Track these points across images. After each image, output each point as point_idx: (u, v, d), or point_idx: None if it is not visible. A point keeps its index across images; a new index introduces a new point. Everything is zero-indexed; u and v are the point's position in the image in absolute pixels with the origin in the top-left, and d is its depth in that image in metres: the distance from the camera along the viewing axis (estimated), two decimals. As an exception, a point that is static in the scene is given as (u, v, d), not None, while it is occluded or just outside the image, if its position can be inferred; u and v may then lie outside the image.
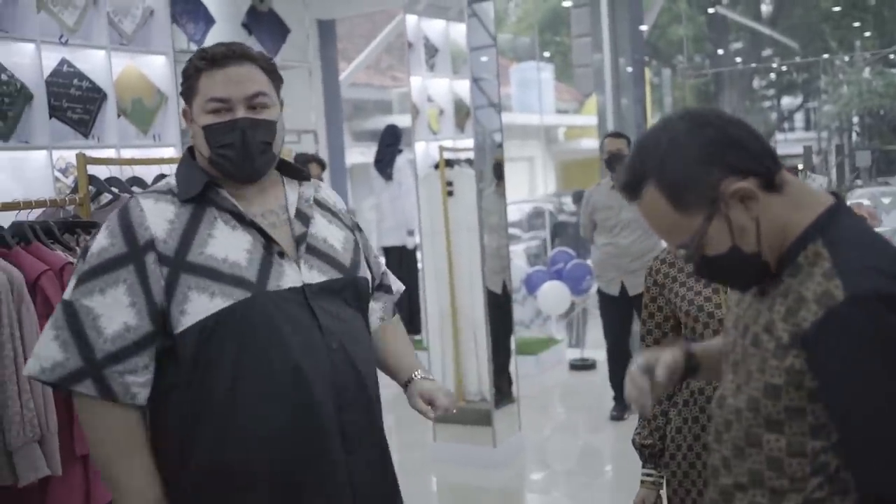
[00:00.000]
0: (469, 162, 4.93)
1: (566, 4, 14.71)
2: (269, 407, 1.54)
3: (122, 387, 1.52)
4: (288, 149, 5.39)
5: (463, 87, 5.34)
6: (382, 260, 2.03)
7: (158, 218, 1.57)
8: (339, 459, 1.59)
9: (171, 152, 4.28)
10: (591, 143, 17.76)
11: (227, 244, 1.58)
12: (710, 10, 16.87)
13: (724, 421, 1.26)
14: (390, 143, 6.61)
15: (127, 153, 4.01)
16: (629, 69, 6.38)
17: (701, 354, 1.42)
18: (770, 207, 1.18)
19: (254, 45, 5.45)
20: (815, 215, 1.20)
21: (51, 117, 3.63)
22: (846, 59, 17.39)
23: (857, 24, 18.70)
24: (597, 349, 6.84)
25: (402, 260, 6.65)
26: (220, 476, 1.55)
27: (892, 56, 17.79)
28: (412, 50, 5.03)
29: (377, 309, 1.88)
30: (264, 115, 1.62)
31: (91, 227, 2.82)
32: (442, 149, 4.84)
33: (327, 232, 1.72)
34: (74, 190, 3.11)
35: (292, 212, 1.69)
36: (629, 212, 5.00)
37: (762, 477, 1.20)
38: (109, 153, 3.85)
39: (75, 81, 3.83)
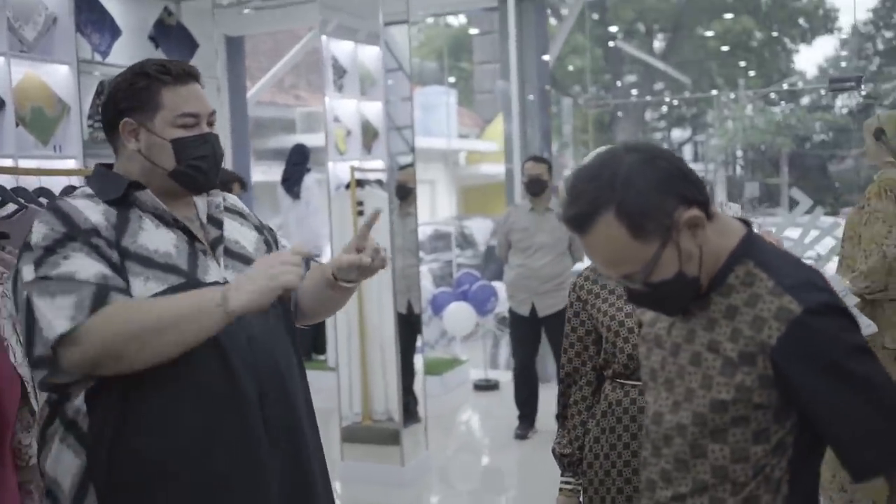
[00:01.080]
0: (379, 183, 4.98)
1: (472, 31, 14.99)
2: (197, 392, 1.57)
3: (116, 286, 1.55)
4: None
5: (370, 109, 5.40)
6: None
7: (92, 212, 1.60)
8: (261, 444, 1.61)
9: (73, 164, 4.17)
10: (491, 168, 18.08)
11: (156, 238, 1.63)
12: (611, 43, 17.54)
13: (664, 436, 1.34)
14: (298, 163, 6.59)
15: (25, 164, 3.88)
16: (530, 97, 6.57)
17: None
18: (708, 234, 1.28)
19: (160, 58, 5.37)
20: (736, 240, 1.31)
21: None
22: (731, 96, 18.37)
23: (742, 64, 19.77)
24: (500, 370, 6.99)
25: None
26: (147, 461, 1.55)
27: (772, 95, 18.89)
28: (324, 70, 5.06)
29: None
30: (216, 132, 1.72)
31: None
32: (353, 169, 4.87)
33: (239, 235, 1.79)
34: None
35: (204, 218, 1.75)
36: (544, 235, 5.16)
37: (706, 485, 1.30)
38: (6, 163, 3.73)
39: None
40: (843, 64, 19.62)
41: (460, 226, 13.05)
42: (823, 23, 20.01)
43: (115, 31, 5.14)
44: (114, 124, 1.69)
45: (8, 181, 3.07)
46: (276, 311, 1.74)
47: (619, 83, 18.91)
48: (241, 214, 1.85)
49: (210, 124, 1.71)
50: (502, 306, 6.51)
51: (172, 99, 1.65)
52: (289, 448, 1.68)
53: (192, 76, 1.69)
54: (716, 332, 1.29)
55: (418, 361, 5.31)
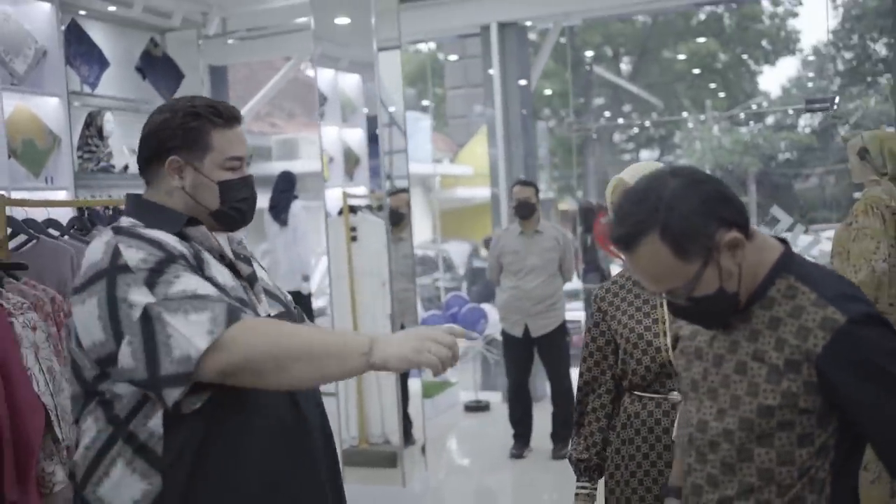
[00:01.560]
0: (370, 208, 5.06)
1: (440, 57, 15.11)
2: (274, 425, 1.63)
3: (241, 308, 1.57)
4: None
5: (352, 136, 5.49)
6: None
7: (172, 241, 1.63)
8: (323, 473, 1.69)
9: (64, 195, 4.19)
10: (466, 192, 18.19)
11: (218, 272, 1.66)
12: (587, 68, 17.82)
13: (709, 443, 1.41)
14: (285, 189, 6.64)
15: (17, 195, 3.89)
16: (510, 121, 6.69)
17: None
18: (747, 253, 1.37)
19: (148, 89, 5.41)
20: (776, 256, 1.40)
21: None
22: (702, 118, 18.69)
23: (711, 86, 20.13)
24: (490, 391, 7.04)
25: (298, 305, 6.65)
26: (227, 481, 1.59)
27: (741, 115, 19.26)
28: (316, 98, 5.15)
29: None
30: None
31: (15, 268, 2.76)
32: (345, 195, 4.94)
33: (262, 274, 1.84)
34: (-7, 231, 3.02)
35: (229, 254, 1.77)
36: (534, 257, 5.26)
37: (752, 487, 1.37)
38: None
39: None
40: (810, 84, 20.10)
41: (438, 249, 13.13)
42: (786, 44, 20.48)
43: (103, 63, 5.18)
44: (157, 159, 1.71)
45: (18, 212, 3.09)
46: None
47: (590, 106, 19.20)
48: (250, 257, 1.87)
49: (248, 164, 1.78)
50: (491, 328, 6.59)
51: (222, 142, 1.70)
52: (331, 472, 1.76)
53: (238, 119, 1.74)
54: (759, 342, 1.37)
55: (413, 384, 5.37)
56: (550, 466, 5.33)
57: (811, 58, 20.67)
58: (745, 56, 20.61)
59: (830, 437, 1.35)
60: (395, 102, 5.10)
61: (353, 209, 4.95)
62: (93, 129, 4.79)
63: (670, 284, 1.36)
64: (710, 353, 1.44)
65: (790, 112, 19.35)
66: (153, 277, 1.53)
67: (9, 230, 2.99)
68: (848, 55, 20.44)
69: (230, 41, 6.82)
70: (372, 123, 5.61)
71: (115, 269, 1.55)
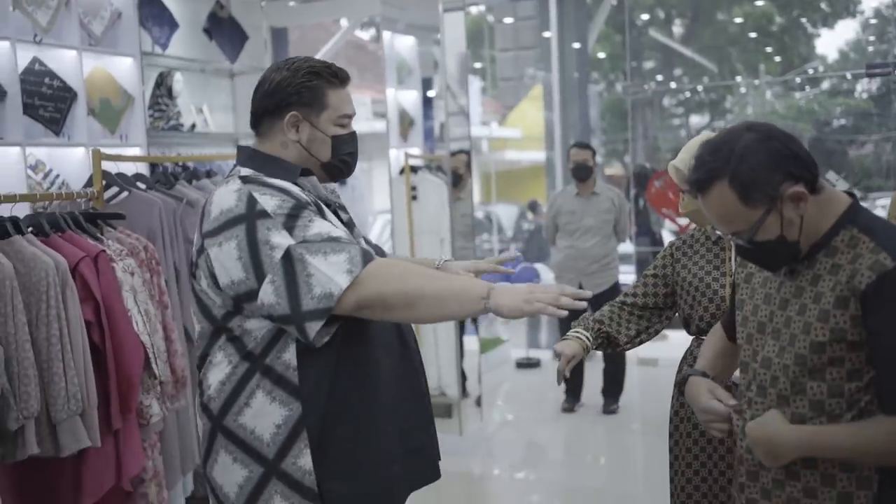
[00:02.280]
0: (429, 168, 5.20)
1: (503, 19, 15.11)
2: (387, 350, 1.84)
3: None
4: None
5: (406, 98, 5.62)
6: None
7: (294, 188, 1.80)
8: (426, 394, 1.93)
9: (137, 151, 4.39)
10: (514, 155, 18.22)
11: (331, 218, 1.83)
12: (641, 31, 17.58)
13: (771, 377, 1.56)
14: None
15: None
16: (565, 84, 6.76)
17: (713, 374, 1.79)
18: (810, 206, 1.50)
19: (214, 50, 5.57)
20: (841, 210, 1.53)
21: (24, 114, 3.66)
22: (755, 83, 18.40)
23: (767, 49, 19.73)
24: (540, 349, 7.21)
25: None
26: (355, 408, 1.78)
27: (797, 80, 18.91)
28: (384, 62, 5.28)
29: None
30: None
31: (113, 218, 2.97)
32: (407, 155, 5.10)
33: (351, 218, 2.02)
34: (88, 184, 3.24)
35: (335, 201, 1.95)
36: (590, 218, 5.39)
37: (804, 418, 1.51)
38: (79, 150, 3.94)
39: (46, 80, 3.89)
40: (870, 49, 19.60)
41: (487, 211, 13.25)
42: (845, 6, 19.94)
43: (173, 25, 5.35)
44: (277, 113, 1.86)
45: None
46: None
47: (641, 69, 18.97)
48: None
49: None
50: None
51: (336, 100, 1.86)
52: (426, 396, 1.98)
53: (349, 80, 1.91)
54: (820, 286, 1.51)
55: (470, 341, 5.55)
56: (600, 420, 5.52)
57: (872, 20, 20.13)
58: (802, 19, 20.08)
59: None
60: (455, 65, 5.21)
61: (413, 169, 5.11)
62: (163, 89, 4.97)
63: (736, 227, 1.52)
64: (778, 298, 1.58)
65: (848, 77, 18.91)
66: (290, 221, 1.70)
67: (103, 182, 3.21)
68: (913, 16, 19.90)
69: (291, 3, 6.95)
70: (427, 85, 5.74)
71: (253, 214, 1.71)
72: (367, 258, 1.68)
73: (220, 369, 1.80)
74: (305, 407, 1.74)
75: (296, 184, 1.83)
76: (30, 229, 2.59)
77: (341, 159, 1.90)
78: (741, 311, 1.68)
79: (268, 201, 1.73)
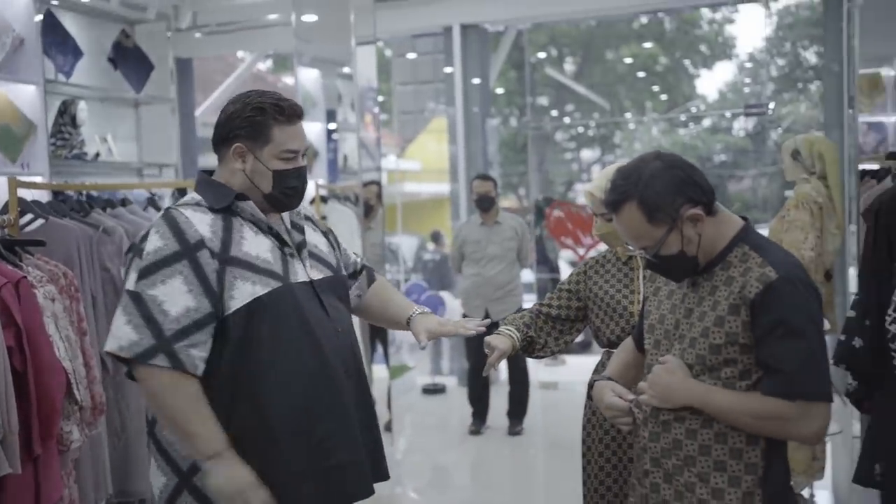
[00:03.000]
0: (338, 198, 5.32)
1: (407, 55, 15.34)
2: (300, 375, 1.90)
3: (189, 358, 1.84)
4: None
5: (310, 130, 5.71)
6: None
7: (202, 223, 1.92)
8: (351, 413, 1.97)
9: (40, 180, 4.32)
10: (413, 187, 18.44)
11: (255, 245, 1.95)
12: (535, 68, 18.15)
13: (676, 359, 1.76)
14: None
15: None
16: (469, 118, 7.01)
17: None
18: (707, 226, 1.74)
19: (119, 79, 5.54)
20: (735, 230, 1.77)
21: None
22: (642, 119, 19.27)
23: (653, 88, 20.70)
24: (444, 375, 7.37)
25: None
26: (263, 430, 1.88)
27: (681, 117, 19.89)
28: (296, 95, 5.37)
29: (355, 288, 2.27)
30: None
31: (31, 245, 2.96)
32: (318, 185, 5.20)
33: (316, 239, 2.13)
34: (3, 210, 3.21)
35: (288, 224, 2.07)
36: (494, 246, 5.62)
37: (702, 413, 1.73)
38: None
39: None
40: (746, 89, 20.82)
41: (387, 242, 13.36)
42: (723, 50, 21.18)
43: (77, 53, 5.30)
44: (225, 143, 1.99)
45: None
46: (347, 308, 2.13)
47: (534, 105, 19.57)
48: (312, 222, 2.18)
49: (303, 156, 2.03)
50: (448, 315, 6.92)
51: (280, 135, 1.95)
52: (364, 416, 2.05)
53: (298, 116, 2.00)
54: (717, 295, 1.73)
55: (378, 369, 5.66)
56: (506, 441, 5.71)
57: (747, 64, 21.44)
58: (684, 60, 21.19)
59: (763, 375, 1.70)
60: (364, 98, 5.35)
61: (323, 199, 5.21)
62: (66, 118, 4.90)
63: (643, 243, 1.75)
64: (682, 307, 1.80)
65: (727, 115, 20.02)
66: (147, 272, 1.86)
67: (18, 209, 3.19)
68: (781, 62, 21.26)
69: (197, 35, 6.98)
70: (330, 117, 5.87)
71: (135, 249, 1.93)
72: (145, 357, 1.83)
73: None
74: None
75: (232, 207, 1.96)
76: (-52, 256, 2.58)
77: (283, 192, 1.98)
78: (648, 320, 1.89)
79: (154, 241, 1.89)
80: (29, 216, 3.29)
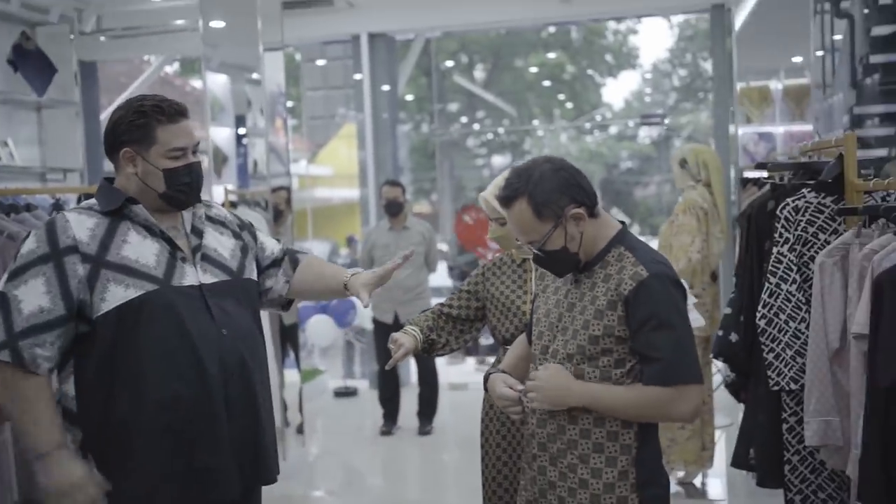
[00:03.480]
0: (247, 203, 5.36)
1: (317, 61, 15.32)
2: (170, 376, 1.97)
3: (31, 356, 1.91)
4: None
5: (219, 135, 5.73)
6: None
7: (81, 227, 1.98)
8: (221, 418, 2.01)
9: None
10: (325, 192, 18.43)
11: (138, 249, 2.01)
12: (444, 76, 18.38)
13: (558, 364, 1.93)
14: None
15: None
16: (378, 124, 7.14)
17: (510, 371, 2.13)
18: (589, 226, 1.90)
19: (19, 82, 5.44)
20: (614, 232, 1.94)
21: None
22: (550, 127, 19.73)
23: (561, 96, 21.19)
24: (356, 379, 7.46)
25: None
26: (130, 429, 1.96)
27: (588, 125, 20.44)
28: (204, 99, 5.38)
29: (280, 276, 2.31)
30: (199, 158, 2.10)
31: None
32: (227, 191, 5.23)
33: (217, 243, 2.16)
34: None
35: (188, 227, 2.12)
36: (402, 250, 5.71)
37: None
38: None
39: None
40: (648, 99, 21.54)
41: (300, 247, 13.35)
42: (627, 60, 21.87)
43: (-26, 55, 5.20)
44: (114, 150, 2.04)
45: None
46: (248, 311, 2.16)
47: (445, 111, 19.81)
48: (222, 223, 2.21)
49: (194, 153, 2.08)
50: (360, 318, 7.01)
51: (165, 136, 2.00)
52: (247, 420, 2.09)
53: (182, 115, 2.05)
54: (596, 291, 1.90)
55: (290, 374, 5.72)
56: (417, 441, 5.85)
57: (649, 74, 22.20)
58: (590, 70, 21.78)
59: (637, 363, 1.88)
60: (272, 103, 5.40)
61: (233, 204, 5.24)
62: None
63: (531, 237, 1.91)
64: (566, 302, 1.96)
65: (630, 124, 20.67)
66: (15, 273, 1.95)
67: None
68: (683, 72, 22.09)
69: (102, 38, 6.88)
70: (239, 122, 5.90)
71: (17, 250, 2.01)
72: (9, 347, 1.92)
73: None
74: (84, 430, 1.99)
75: (122, 210, 2.03)
76: None
77: (176, 190, 2.03)
78: (536, 315, 2.05)
79: (27, 245, 1.98)
80: (-72, 223, 3.26)
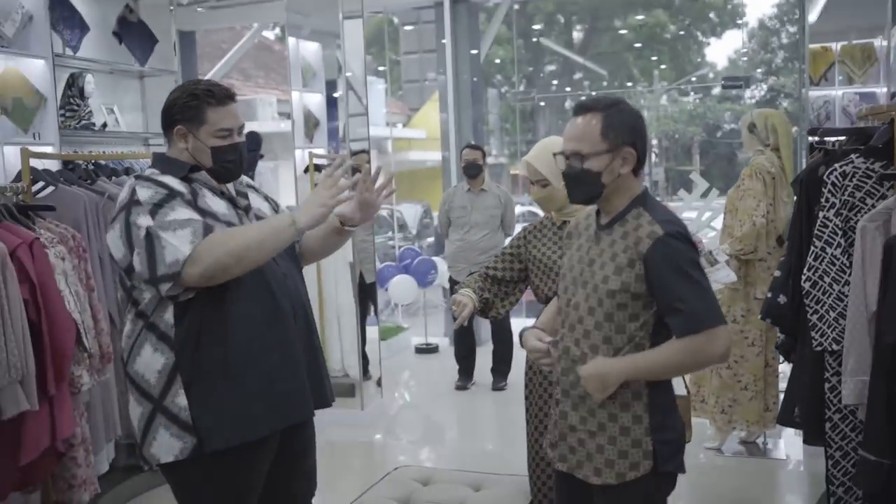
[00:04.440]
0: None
1: (404, 26, 15.51)
2: (255, 310, 2.22)
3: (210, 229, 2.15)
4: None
5: (311, 101, 5.99)
6: None
7: (175, 182, 2.23)
8: (296, 347, 2.29)
9: (49, 150, 4.60)
10: (419, 155, 18.68)
11: (214, 204, 2.26)
12: (534, 40, 18.27)
13: (578, 317, 2.08)
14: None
15: (8, 150, 4.22)
16: (460, 87, 7.26)
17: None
18: (627, 179, 2.04)
19: (124, 52, 5.79)
20: (637, 194, 2.07)
21: None
22: (650, 89, 19.34)
23: (660, 57, 20.70)
24: (438, 336, 7.71)
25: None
26: (218, 358, 2.20)
27: (686, 86, 19.95)
28: (292, 67, 5.64)
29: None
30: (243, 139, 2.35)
31: (43, 210, 3.29)
32: (311, 155, 5.50)
33: (259, 203, 2.44)
34: (17, 179, 3.54)
35: (233, 192, 2.37)
36: (479, 213, 5.93)
37: (598, 349, 2.04)
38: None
39: None
40: (757, 57, 20.77)
41: (392, 210, 13.64)
42: (732, 17, 21.14)
43: (84, 28, 5.55)
44: (169, 127, 2.31)
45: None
46: (292, 256, 2.43)
47: (541, 74, 19.69)
48: (255, 190, 2.49)
49: (239, 134, 2.31)
50: (441, 279, 7.25)
51: (214, 117, 2.25)
52: (310, 349, 2.37)
53: (230, 98, 2.30)
54: (615, 248, 2.03)
55: (371, 331, 6.00)
56: (490, 396, 6.08)
57: (756, 31, 21.40)
58: (692, 28, 21.18)
59: (651, 317, 2.01)
60: (355, 69, 5.61)
61: (318, 167, 5.51)
62: (74, 90, 5.15)
63: (580, 146, 2.03)
64: (587, 258, 2.10)
65: (717, 87, 20.00)
66: (156, 209, 2.14)
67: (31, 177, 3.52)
68: (792, 29, 21.23)
69: (199, 9, 7.24)
70: (330, 88, 6.13)
71: (131, 202, 2.17)
72: (207, 230, 2.13)
73: (127, 328, 2.26)
74: (178, 356, 2.19)
75: (187, 178, 2.26)
76: (-31, 219, 2.90)
77: (222, 165, 2.29)
78: (562, 270, 2.20)
79: (143, 193, 2.18)
80: (41, 184, 3.63)
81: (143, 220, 2.13)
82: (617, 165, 2.01)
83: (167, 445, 2.20)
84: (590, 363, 2.03)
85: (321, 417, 2.45)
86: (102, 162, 4.41)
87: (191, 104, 2.26)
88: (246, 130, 2.41)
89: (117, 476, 3.94)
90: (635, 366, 1.98)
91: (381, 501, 3.04)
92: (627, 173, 2.03)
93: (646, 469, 1.99)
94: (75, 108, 5.08)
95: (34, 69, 4.51)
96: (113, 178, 4.08)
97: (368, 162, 5.67)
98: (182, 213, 2.15)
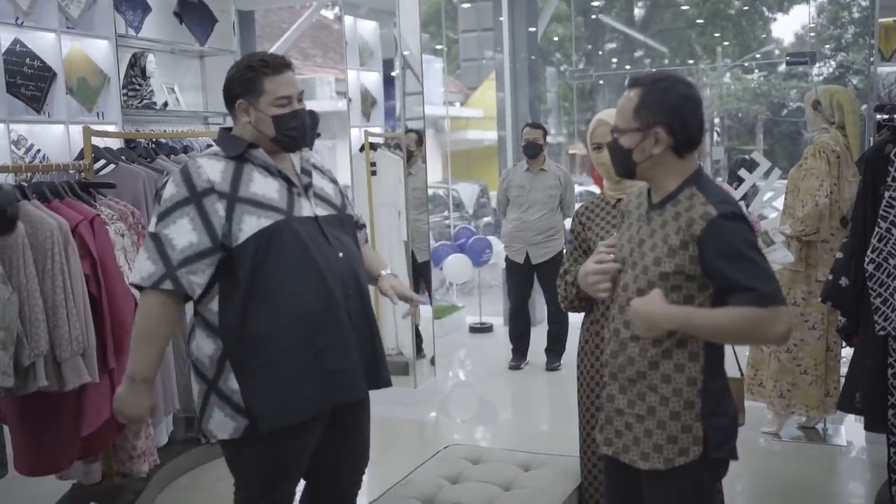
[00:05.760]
0: (387, 146, 5.62)
1: (462, 4, 15.44)
2: (301, 294, 2.25)
3: (188, 283, 2.21)
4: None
5: (368, 79, 6.00)
6: None
7: (213, 170, 2.26)
8: (347, 328, 2.31)
9: (113, 128, 4.69)
10: (476, 134, 18.62)
11: (263, 186, 2.28)
12: (593, 17, 18.00)
13: (627, 298, 2.04)
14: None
15: (73, 129, 4.31)
16: (517, 66, 7.18)
17: None
18: (668, 159, 1.98)
19: (184, 32, 5.86)
20: (689, 173, 2.01)
21: (7, 93, 3.93)
22: (712, 66, 18.91)
23: (724, 33, 20.21)
24: (493, 315, 7.70)
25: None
26: (267, 341, 2.24)
27: (749, 63, 19.45)
28: (347, 47, 5.65)
29: (361, 237, 2.62)
30: (306, 106, 2.36)
31: (104, 187, 3.37)
32: (367, 133, 5.52)
33: (322, 183, 2.45)
34: (79, 157, 3.62)
35: (298, 169, 2.39)
36: (537, 192, 5.88)
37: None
38: (60, 127, 4.23)
39: (27, 60, 4.16)
40: (826, 33, 20.10)
41: (449, 189, 13.63)
42: (800, -8, 20.48)
43: (146, 8, 5.63)
44: (231, 103, 2.33)
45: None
46: (353, 240, 2.45)
47: (600, 52, 19.40)
48: (320, 170, 2.50)
49: (300, 101, 2.33)
50: (496, 258, 7.23)
51: (271, 86, 2.27)
52: (365, 331, 2.39)
53: (286, 66, 2.31)
54: (667, 228, 1.98)
55: (424, 309, 6.00)
56: (543, 377, 6.06)
57: (827, 6, 20.69)
58: (758, 3, 20.62)
59: (707, 300, 1.95)
60: (412, 47, 5.59)
61: (373, 146, 5.53)
62: (136, 70, 5.24)
63: (618, 121, 2.01)
64: (637, 238, 2.06)
65: (783, 64, 19.45)
66: (162, 216, 2.23)
67: (93, 156, 3.60)
68: (864, 2, 20.50)
69: (257, -12, 7.29)
70: (388, 67, 6.13)
71: (158, 195, 2.28)
72: (156, 283, 2.21)
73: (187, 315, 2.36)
74: (225, 342, 2.25)
75: (244, 155, 2.29)
76: (34, 196, 2.99)
77: (285, 134, 2.30)
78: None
79: (168, 190, 2.26)
80: (102, 161, 3.71)
81: (151, 223, 2.26)
82: (648, 145, 1.96)
83: (222, 424, 2.27)
84: (644, 297, 1.97)
85: (375, 395, 2.47)
86: (162, 140, 4.50)
87: (247, 76, 2.28)
88: (310, 109, 2.44)
89: (176, 448, 4.04)
90: (688, 319, 1.92)
91: (431, 479, 3.06)
92: (664, 153, 1.97)
93: (695, 455, 1.95)
94: (137, 87, 5.16)
95: (98, 49, 4.61)
96: (172, 156, 4.15)
97: (419, 141, 5.66)
98: (175, 231, 2.21)
